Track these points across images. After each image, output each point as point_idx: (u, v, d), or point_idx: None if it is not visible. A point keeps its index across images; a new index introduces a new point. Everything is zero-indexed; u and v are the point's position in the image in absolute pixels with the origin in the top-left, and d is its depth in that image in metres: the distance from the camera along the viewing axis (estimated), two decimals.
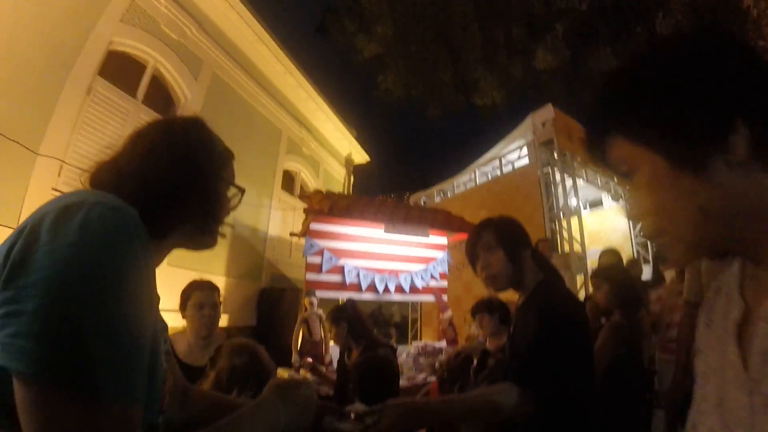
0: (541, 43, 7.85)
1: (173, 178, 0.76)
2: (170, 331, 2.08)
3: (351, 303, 3.17)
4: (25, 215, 0.70)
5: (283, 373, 3.95)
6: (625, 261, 5.81)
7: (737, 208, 0.49)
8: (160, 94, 5.08)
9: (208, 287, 2.35)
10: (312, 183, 9.07)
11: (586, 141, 0.63)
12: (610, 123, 0.57)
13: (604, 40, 7.73)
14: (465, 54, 8.95)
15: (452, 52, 9.08)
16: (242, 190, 0.92)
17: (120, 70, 4.50)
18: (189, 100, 5.28)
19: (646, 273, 7.73)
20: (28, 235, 0.55)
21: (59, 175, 3.79)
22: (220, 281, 5.70)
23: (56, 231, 0.55)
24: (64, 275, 0.53)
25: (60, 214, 0.57)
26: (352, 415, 1.08)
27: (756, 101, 0.48)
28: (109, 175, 0.75)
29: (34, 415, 0.50)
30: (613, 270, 2.99)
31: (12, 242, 0.56)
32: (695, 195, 0.50)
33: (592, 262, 7.20)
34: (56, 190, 3.75)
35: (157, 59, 4.98)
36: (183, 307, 2.30)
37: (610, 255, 4.18)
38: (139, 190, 0.72)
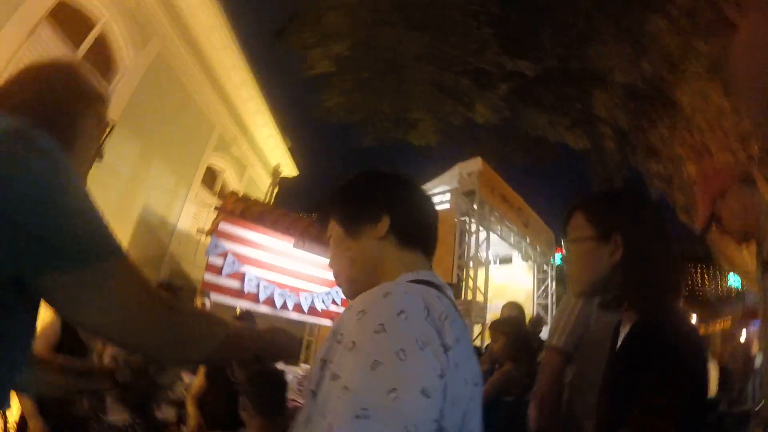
0: (484, 99, 8.58)
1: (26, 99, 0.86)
2: None
3: (249, 314, 3.22)
4: None
5: None
6: (528, 318, 6.45)
7: (370, 262, 0.94)
8: (102, 56, 5.06)
9: None
10: (234, 185, 9.05)
11: (317, 221, 1.19)
12: (328, 213, 1.03)
13: (544, 108, 8.59)
14: (411, 92, 9.58)
15: (400, 88, 9.69)
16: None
17: (68, 21, 4.48)
18: (129, 70, 5.29)
19: (545, 332, 8.54)
20: None
21: None
22: None
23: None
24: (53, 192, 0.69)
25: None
26: None
27: (395, 205, 0.96)
28: None
29: (102, 292, 0.71)
30: (511, 324, 3.30)
31: None
32: (349, 250, 0.95)
33: (493, 314, 7.85)
34: None
35: (108, 18, 4.99)
36: None
37: (512, 308, 4.40)
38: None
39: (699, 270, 18.94)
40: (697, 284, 20.53)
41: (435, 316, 0.68)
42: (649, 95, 6.57)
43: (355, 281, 0.95)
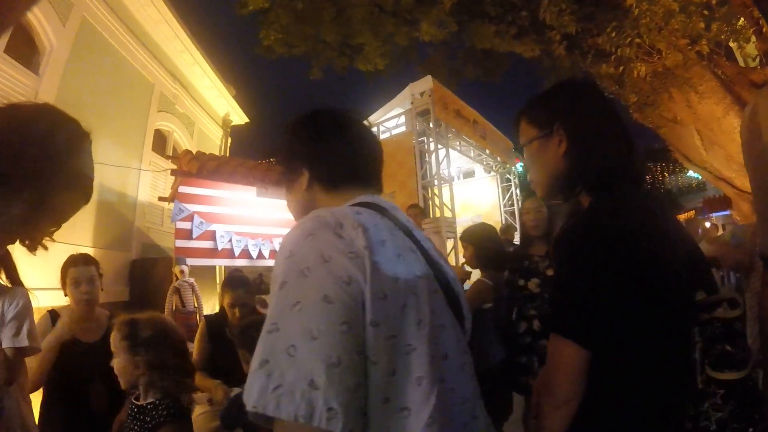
0: (428, 16, 8.59)
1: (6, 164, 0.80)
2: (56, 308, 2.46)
3: (239, 272, 3.12)
4: None
5: None
6: (499, 227, 6.99)
7: (305, 210, 0.96)
8: (24, 42, 4.98)
9: (83, 262, 2.51)
10: (185, 144, 9.04)
11: None
12: None
13: (490, 18, 8.67)
14: (351, 17, 9.49)
15: (339, 14, 9.57)
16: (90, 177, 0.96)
17: None
18: (55, 49, 5.24)
19: (516, 238, 9.32)
20: None
21: None
22: (86, 252, 5.69)
23: None
24: None
25: None
26: None
27: (312, 158, 0.99)
28: None
29: None
30: (477, 232, 3.26)
31: None
32: (290, 202, 1.06)
33: (463, 228, 8.47)
34: None
35: None
36: (63, 285, 2.46)
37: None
38: None
39: (659, 166, 19.90)
40: (658, 179, 21.77)
41: (348, 227, 0.74)
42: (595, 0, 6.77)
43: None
